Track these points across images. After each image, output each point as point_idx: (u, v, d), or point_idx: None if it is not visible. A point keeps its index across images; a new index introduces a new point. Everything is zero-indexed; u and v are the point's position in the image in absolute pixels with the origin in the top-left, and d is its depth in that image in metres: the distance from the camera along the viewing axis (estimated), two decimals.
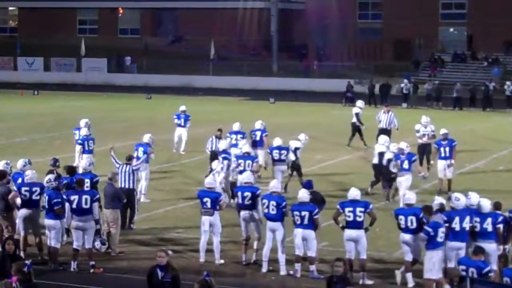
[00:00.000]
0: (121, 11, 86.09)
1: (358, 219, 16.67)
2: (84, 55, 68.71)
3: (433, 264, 15.57)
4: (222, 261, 17.88)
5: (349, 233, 16.73)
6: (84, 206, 17.39)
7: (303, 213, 16.80)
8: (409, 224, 16.27)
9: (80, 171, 20.57)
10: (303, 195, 17.11)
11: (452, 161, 24.58)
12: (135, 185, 20.94)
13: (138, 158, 22.70)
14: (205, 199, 17.89)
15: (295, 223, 16.94)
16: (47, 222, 17.65)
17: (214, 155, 24.59)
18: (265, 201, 17.39)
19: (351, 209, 16.71)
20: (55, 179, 17.89)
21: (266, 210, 17.33)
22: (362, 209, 16.75)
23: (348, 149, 32.05)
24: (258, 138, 26.80)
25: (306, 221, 16.80)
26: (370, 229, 17.00)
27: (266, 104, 52.18)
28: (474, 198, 16.42)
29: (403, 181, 22.68)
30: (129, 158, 21.28)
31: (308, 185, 18.25)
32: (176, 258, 18.12)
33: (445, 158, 24.56)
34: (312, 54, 73.99)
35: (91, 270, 17.20)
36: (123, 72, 71.92)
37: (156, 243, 19.25)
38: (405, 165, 22.78)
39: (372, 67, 66.69)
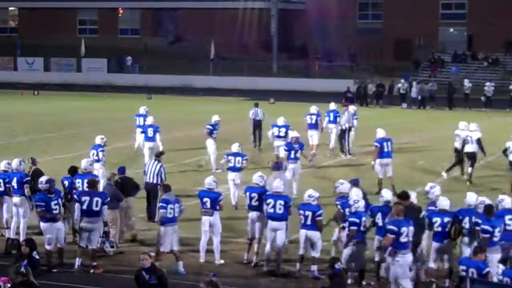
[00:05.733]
0: (121, 11, 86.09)
1: None
2: (84, 55, 68.73)
3: (163, 239, 17.12)
4: (222, 261, 17.86)
5: None
6: (94, 208, 17.29)
7: (306, 212, 16.77)
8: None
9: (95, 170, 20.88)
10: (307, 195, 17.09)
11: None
12: (160, 180, 21.24)
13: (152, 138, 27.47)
14: (205, 199, 17.87)
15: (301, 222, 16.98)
16: (41, 225, 17.66)
17: None
18: (270, 200, 17.29)
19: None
20: (46, 182, 17.69)
21: (271, 210, 17.22)
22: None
23: None
24: (313, 121, 30.72)
25: (309, 221, 16.76)
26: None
27: (266, 104, 52.07)
28: (472, 198, 16.42)
29: None
30: (159, 154, 21.92)
31: (120, 171, 19.91)
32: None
33: (387, 156, 24.93)
34: (312, 54, 73.97)
35: (91, 271, 17.18)
36: (123, 72, 71.93)
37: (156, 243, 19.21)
38: None
39: (372, 67, 66.75)
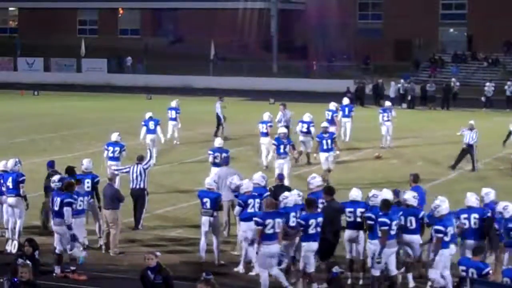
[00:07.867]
0: (121, 11, 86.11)
1: (358, 219, 16.63)
2: (84, 55, 68.72)
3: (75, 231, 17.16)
4: (222, 261, 17.87)
5: (349, 233, 16.68)
6: (55, 208, 16.91)
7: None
8: (408, 224, 16.24)
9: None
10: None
11: (337, 153, 27.01)
12: (146, 185, 20.89)
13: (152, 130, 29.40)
14: (205, 200, 17.84)
15: None
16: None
17: None
18: (251, 201, 17.16)
19: (351, 209, 16.62)
20: (59, 180, 17.76)
21: (251, 210, 17.05)
22: (363, 210, 16.70)
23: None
24: (329, 117, 32.22)
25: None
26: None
27: (266, 105, 52.08)
28: (472, 198, 16.44)
29: None
30: (140, 158, 21.18)
31: (49, 164, 20.25)
32: (176, 258, 18.15)
33: (327, 150, 25.65)
34: (312, 54, 73.97)
35: (70, 276, 16.75)
36: (123, 72, 71.92)
37: (156, 243, 19.24)
38: None
39: (372, 67, 66.77)
